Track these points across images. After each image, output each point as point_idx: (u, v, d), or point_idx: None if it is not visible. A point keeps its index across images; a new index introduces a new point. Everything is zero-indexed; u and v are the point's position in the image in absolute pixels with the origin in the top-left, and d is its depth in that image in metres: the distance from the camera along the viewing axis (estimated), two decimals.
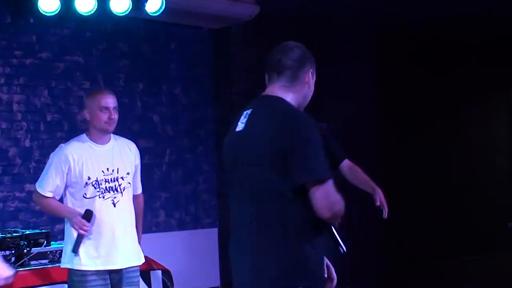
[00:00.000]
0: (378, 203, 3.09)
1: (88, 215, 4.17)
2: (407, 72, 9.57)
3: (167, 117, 7.49)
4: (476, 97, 10.94)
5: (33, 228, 5.57)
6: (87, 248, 4.21)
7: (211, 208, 7.78)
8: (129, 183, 4.38)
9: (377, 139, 8.72)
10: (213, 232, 7.75)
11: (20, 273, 4.58)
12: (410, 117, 9.71)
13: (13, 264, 4.67)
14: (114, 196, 4.29)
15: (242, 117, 2.99)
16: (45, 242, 5.12)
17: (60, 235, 4.81)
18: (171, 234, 7.39)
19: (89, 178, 4.23)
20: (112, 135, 4.38)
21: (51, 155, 4.36)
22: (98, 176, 4.25)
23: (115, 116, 4.30)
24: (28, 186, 6.36)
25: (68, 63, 6.78)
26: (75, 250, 4.18)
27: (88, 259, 4.21)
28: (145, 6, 6.47)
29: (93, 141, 4.31)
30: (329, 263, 3.08)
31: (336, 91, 8.05)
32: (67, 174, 4.22)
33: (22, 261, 4.85)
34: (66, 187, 4.26)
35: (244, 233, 2.92)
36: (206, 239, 7.69)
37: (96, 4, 6.24)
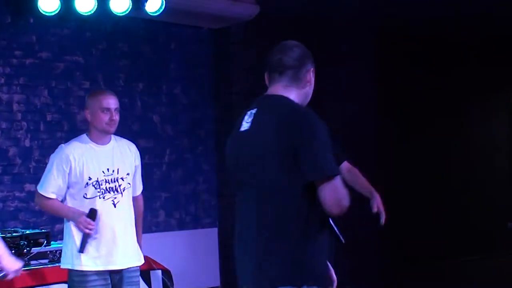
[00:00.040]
0: (375, 210, 3.08)
1: (93, 214, 4.17)
2: (407, 72, 9.57)
3: (167, 117, 7.49)
4: (476, 97, 10.94)
5: (33, 228, 5.58)
6: (87, 248, 4.20)
7: (211, 208, 7.78)
8: (129, 183, 4.38)
9: (377, 139, 8.72)
10: (213, 232, 7.75)
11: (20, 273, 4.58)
12: (410, 117, 9.71)
13: None
14: (115, 196, 4.29)
15: (247, 116, 2.99)
16: (45, 242, 5.13)
17: (60, 235, 4.81)
18: (171, 234, 7.39)
19: (89, 179, 4.23)
20: (112, 135, 4.38)
21: (52, 156, 4.35)
22: (99, 177, 4.25)
23: (116, 117, 4.30)
24: (28, 186, 6.37)
25: (68, 63, 6.78)
26: (82, 250, 4.18)
27: (89, 259, 4.21)
28: (145, 6, 6.47)
29: (94, 142, 4.31)
30: (329, 264, 3.08)
31: (336, 91, 8.05)
32: (68, 174, 4.22)
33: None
34: (67, 187, 4.26)
35: (249, 233, 2.92)
36: (206, 239, 7.69)
37: (96, 4, 6.24)
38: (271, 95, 3.01)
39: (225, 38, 7.75)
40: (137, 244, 4.44)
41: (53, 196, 4.26)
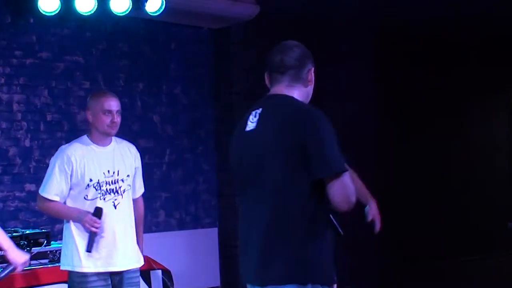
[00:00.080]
0: (370, 219, 3.08)
1: (99, 213, 4.17)
2: (407, 72, 9.58)
3: (167, 117, 7.49)
4: (476, 97, 10.94)
5: (33, 228, 5.58)
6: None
7: (211, 208, 7.78)
8: (129, 185, 4.38)
9: (377, 139, 8.72)
10: (213, 232, 7.75)
11: (20, 273, 4.58)
12: (410, 117, 9.71)
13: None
14: (115, 198, 4.29)
15: (252, 116, 3.00)
16: (45, 241, 5.14)
17: (60, 235, 4.80)
18: (171, 234, 7.39)
19: (90, 180, 4.23)
20: (113, 137, 4.38)
21: (52, 158, 4.33)
22: (100, 178, 4.25)
23: (118, 119, 4.30)
24: (28, 186, 6.37)
25: (68, 63, 6.78)
26: (90, 249, 4.17)
27: (89, 260, 4.21)
28: (145, 6, 6.47)
29: (95, 143, 4.31)
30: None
31: (336, 91, 8.04)
32: (70, 175, 4.21)
33: None
34: (69, 189, 4.25)
35: (253, 232, 2.93)
36: (206, 239, 7.69)
37: (96, 4, 6.23)
38: (275, 94, 3.02)
39: (225, 38, 7.75)
40: (137, 246, 4.44)
41: (56, 198, 4.24)
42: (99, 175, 4.25)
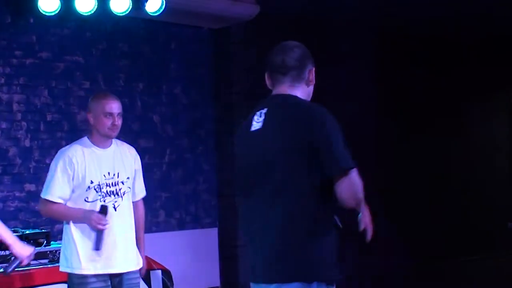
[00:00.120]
0: (362, 228, 3.05)
1: (104, 210, 4.16)
2: (407, 72, 9.57)
3: (167, 117, 7.49)
4: (476, 97, 10.94)
5: (33, 228, 5.58)
6: (86, 251, 4.20)
7: (211, 208, 7.78)
8: (129, 187, 4.37)
9: (377, 139, 8.72)
10: (213, 232, 7.75)
11: (20, 273, 4.58)
12: (410, 117, 9.71)
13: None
14: (115, 200, 4.28)
15: (257, 116, 3.01)
16: (45, 241, 5.13)
17: (60, 235, 4.80)
18: (171, 234, 7.39)
19: (91, 182, 4.22)
20: (113, 139, 4.38)
21: (53, 161, 4.31)
22: (100, 180, 4.24)
23: (119, 122, 4.29)
24: (28, 186, 6.36)
25: (68, 63, 6.78)
26: (98, 247, 4.15)
27: (88, 262, 4.20)
28: (145, 6, 6.47)
29: (95, 145, 4.30)
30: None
31: (336, 91, 8.04)
32: (72, 177, 4.21)
33: None
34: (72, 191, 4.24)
35: (260, 231, 2.94)
36: (206, 239, 7.69)
37: (96, 4, 6.24)
38: (279, 94, 3.04)
39: (225, 38, 7.75)
40: (136, 248, 4.42)
41: (60, 200, 4.22)
42: (99, 177, 4.24)
